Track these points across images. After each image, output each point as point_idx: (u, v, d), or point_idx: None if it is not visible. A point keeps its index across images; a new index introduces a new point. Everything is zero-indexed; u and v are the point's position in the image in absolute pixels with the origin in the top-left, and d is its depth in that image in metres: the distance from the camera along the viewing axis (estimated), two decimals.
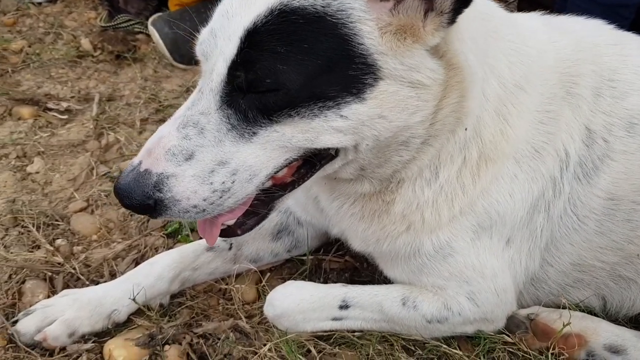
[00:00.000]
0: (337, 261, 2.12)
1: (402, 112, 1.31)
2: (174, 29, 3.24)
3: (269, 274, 2.07)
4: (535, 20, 1.79)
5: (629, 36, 1.83)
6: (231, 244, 1.99)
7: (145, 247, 2.16)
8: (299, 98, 1.24)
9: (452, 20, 1.28)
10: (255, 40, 1.23)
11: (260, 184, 1.35)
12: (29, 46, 3.50)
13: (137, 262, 2.06)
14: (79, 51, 3.46)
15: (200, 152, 1.28)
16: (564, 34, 1.72)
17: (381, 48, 1.25)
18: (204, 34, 1.34)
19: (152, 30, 3.31)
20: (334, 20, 1.23)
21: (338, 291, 1.70)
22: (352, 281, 2.06)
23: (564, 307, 1.73)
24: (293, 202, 2.00)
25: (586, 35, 1.75)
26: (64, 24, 3.77)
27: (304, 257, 2.07)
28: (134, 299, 1.80)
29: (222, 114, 1.29)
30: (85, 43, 3.49)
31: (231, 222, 1.43)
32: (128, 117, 2.90)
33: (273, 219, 2.06)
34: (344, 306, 1.69)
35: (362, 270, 2.09)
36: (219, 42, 1.29)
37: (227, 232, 1.46)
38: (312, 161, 1.41)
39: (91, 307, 1.80)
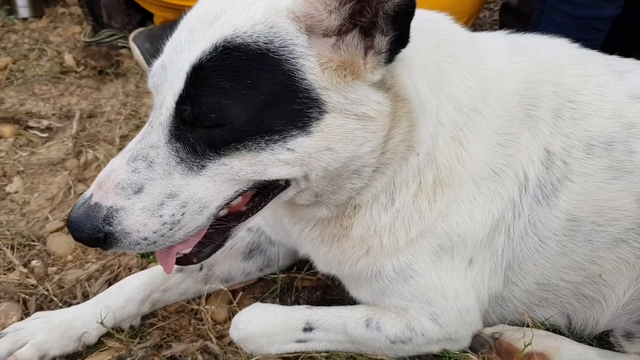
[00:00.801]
0: (310, 279, 2.13)
1: (350, 144, 1.33)
2: (155, 45, 3.25)
3: (241, 293, 2.08)
4: (499, 40, 1.80)
5: (592, 55, 1.84)
6: (202, 265, 2.00)
7: (119, 268, 2.18)
8: (245, 132, 1.26)
9: (390, 59, 1.30)
10: (201, 76, 1.25)
11: (211, 216, 1.36)
12: (14, 63, 3.53)
13: (110, 283, 2.08)
14: (63, 67, 3.49)
15: (150, 185, 1.30)
16: (526, 55, 1.73)
17: (323, 83, 1.27)
18: (155, 67, 1.36)
19: (132, 46, 3.33)
20: (276, 56, 1.25)
21: (302, 314, 1.71)
22: (323, 299, 2.08)
23: (528, 326, 1.74)
24: (263, 222, 2.02)
25: (549, 55, 1.76)
26: (49, 39, 3.80)
27: (277, 276, 2.09)
28: (101, 323, 1.81)
29: (171, 148, 1.30)
30: (69, 59, 3.52)
31: (187, 250, 1.45)
32: (108, 133, 2.92)
33: (245, 239, 2.08)
34: (308, 328, 1.70)
35: (333, 288, 2.10)
36: (168, 76, 1.31)
37: (183, 261, 1.48)
38: (265, 190, 1.42)
39: (62, 329, 1.82)
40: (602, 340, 1.82)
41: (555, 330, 1.80)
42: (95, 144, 2.84)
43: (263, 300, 2.03)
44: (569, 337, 1.78)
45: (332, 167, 1.36)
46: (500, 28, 3.45)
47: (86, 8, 3.78)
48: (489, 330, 1.78)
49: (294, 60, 1.25)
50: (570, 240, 1.64)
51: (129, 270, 2.17)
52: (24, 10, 4.04)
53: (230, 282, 2.06)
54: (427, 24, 1.58)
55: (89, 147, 2.81)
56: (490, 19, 3.99)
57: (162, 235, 1.33)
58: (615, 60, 1.84)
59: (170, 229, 1.33)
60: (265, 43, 1.25)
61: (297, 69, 1.26)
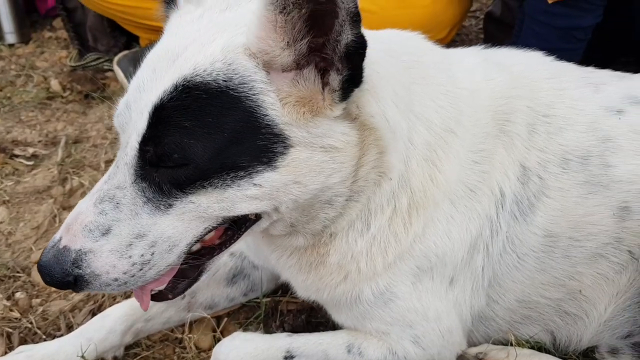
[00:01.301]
0: (294, 302, 2.11)
1: (318, 176, 1.32)
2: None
3: (225, 319, 2.06)
4: (472, 57, 1.78)
5: (567, 68, 1.82)
6: (185, 293, 1.98)
7: (103, 297, 2.16)
8: (209, 170, 1.25)
9: (344, 97, 1.28)
10: (163, 116, 1.24)
11: (182, 253, 1.35)
12: (0, 90, 3.54)
13: (94, 313, 2.07)
14: (49, 92, 3.50)
15: (117, 227, 1.29)
16: (500, 71, 1.72)
17: (285, 118, 1.26)
18: (121, 106, 1.35)
19: (116, 70, 3.34)
20: (236, 93, 1.24)
21: (282, 342, 1.69)
22: (308, 322, 2.06)
23: (512, 345, 1.72)
24: (245, 247, 2.01)
25: (523, 70, 1.75)
26: (35, 64, 3.81)
27: (260, 301, 2.07)
28: (82, 356, 1.80)
29: (137, 188, 1.29)
30: (55, 84, 3.53)
31: (161, 287, 1.44)
32: (94, 159, 2.92)
33: (227, 264, 2.07)
34: (289, 357, 1.68)
35: (318, 310, 2.08)
36: (132, 115, 1.30)
37: (159, 297, 1.47)
38: (237, 224, 1.41)
39: None
40: (588, 357, 1.79)
41: (540, 347, 1.78)
42: (81, 170, 2.84)
43: (248, 326, 2.02)
44: (554, 354, 1.76)
45: (302, 199, 1.35)
46: (485, 37, 3.48)
47: (72, 32, 3.78)
48: (473, 351, 1.76)
49: (254, 96, 1.24)
50: (548, 257, 1.62)
51: (114, 300, 2.15)
52: (10, 36, 4.06)
53: (214, 309, 2.05)
54: (398, 46, 1.58)
55: (74, 174, 2.80)
56: (477, 27, 3.98)
57: (133, 276, 1.32)
58: (591, 73, 1.82)
59: (141, 269, 1.32)
60: (224, 80, 1.24)
61: (258, 105, 1.25)
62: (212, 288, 2.03)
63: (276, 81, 1.26)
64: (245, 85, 1.24)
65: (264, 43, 1.23)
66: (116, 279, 1.31)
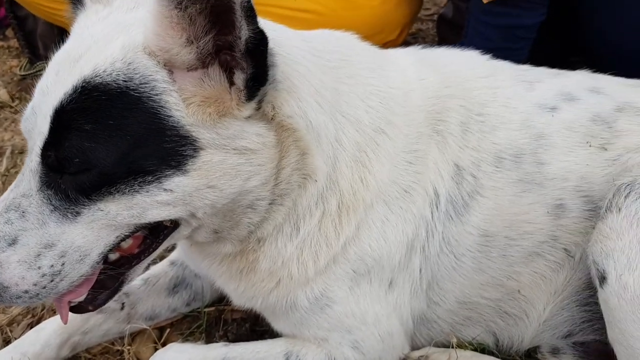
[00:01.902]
0: (239, 310, 2.06)
1: (234, 179, 1.28)
2: None
3: (168, 329, 2.00)
4: (408, 57, 1.77)
5: (502, 66, 1.81)
6: (123, 303, 1.93)
7: (42, 311, 2.09)
8: (115, 175, 1.20)
9: (250, 96, 1.25)
10: (63, 119, 1.20)
11: (95, 263, 1.30)
12: None
13: (32, 327, 1.98)
14: None
15: (24, 237, 1.24)
16: (435, 70, 1.71)
17: (190, 119, 1.22)
18: (27, 111, 1.31)
19: None
20: (137, 94, 1.19)
21: (218, 352, 1.64)
22: (253, 331, 2.02)
23: (454, 347, 1.70)
24: (185, 256, 1.95)
25: (457, 69, 1.73)
26: None
27: (202, 311, 2.02)
28: None
29: (43, 195, 1.25)
30: (3, 94, 3.45)
31: (80, 298, 1.38)
32: None
33: (168, 273, 2.01)
34: None
35: (263, 319, 2.03)
36: (38, 120, 1.25)
37: (78, 309, 1.42)
38: (154, 232, 1.36)
39: None
40: (531, 357, 1.78)
41: (483, 349, 1.76)
42: None
43: (190, 336, 1.97)
44: (497, 355, 1.74)
45: (219, 204, 1.31)
46: (439, 40, 3.48)
47: (22, 40, 3.69)
48: (415, 354, 1.73)
49: (156, 96, 1.20)
50: (485, 256, 1.60)
51: (53, 312, 2.08)
52: None
53: (155, 320, 1.99)
54: (325, 46, 1.55)
55: None
56: (433, 30, 3.98)
57: (44, 287, 1.27)
58: (526, 71, 1.82)
59: (52, 280, 1.27)
60: (124, 81, 1.20)
61: (161, 106, 1.20)
62: (153, 298, 1.98)
63: (180, 80, 1.22)
64: (147, 85, 1.20)
65: (162, 40, 1.19)
66: (27, 291, 1.26)
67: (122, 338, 1.96)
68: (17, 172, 2.81)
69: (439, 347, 1.76)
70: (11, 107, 3.37)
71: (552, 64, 1.91)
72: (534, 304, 1.66)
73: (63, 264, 1.26)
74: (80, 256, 1.27)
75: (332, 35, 1.67)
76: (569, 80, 1.76)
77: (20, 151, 2.98)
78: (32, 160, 1.25)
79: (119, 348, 1.95)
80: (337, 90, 1.49)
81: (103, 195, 1.22)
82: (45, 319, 2.04)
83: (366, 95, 1.54)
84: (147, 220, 1.27)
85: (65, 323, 1.43)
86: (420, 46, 1.89)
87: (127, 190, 1.21)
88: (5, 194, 1.29)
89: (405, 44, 3.28)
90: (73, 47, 1.29)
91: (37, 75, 3.47)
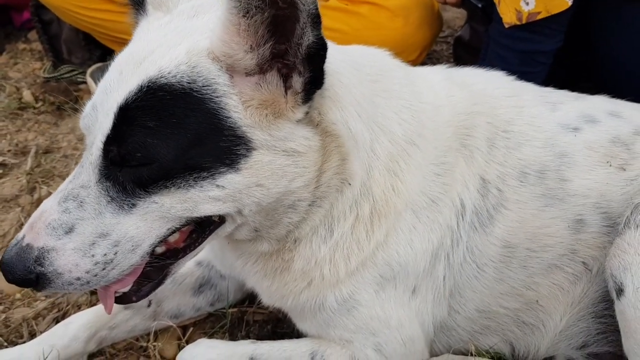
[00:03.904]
0: (261, 313, 2.13)
1: (281, 180, 1.35)
2: None
3: (191, 328, 2.06)
4: (436, 74, 1.85)
5: (526, 87, 1.90)
6: (150, 301, 1.99)
7: (67, 305, 2.15)
8: (173, 170, 1.27)
9: (307, 99, 1.33)
10: (127, 116, 1.27)
11: (145, 254, 1.37)
12: None
13: (57, 321, 2.04)
14: (21, 103, 3.47)
15: (81, 225, 1.30)
16: (462, 88, 1.79)
17: (247, 121, 1.30)
18: (87, 108, 1.38)
19: (90, 82, 3.34)
20: (199, 95, 1.27)
21: (246, 349, 1.70)
22: (274, 332, 2.07)
23: (472, 354, 1.76)
24: (212, 256, 2.02)
25: (483, 88, 1.82)
26: (8, 75, 3.79)
27: (226, 311, 2.08)
28: None
29: (101, 187, 1.31)
30: (27, 95, 3.51)
31: (126, 289, 1.44)
32: (64, 169, 2.91)
33: (194, 273, 2.07)
34: None
35: (285, 321, 2.09)
36: (99, 116, 1.32)
37: (123, 299, 1.47)
38: (201, 226, 1.43)
39: None
40: None
41: (499, 357, 1.82)
42: (50, 180, 2.82)
43: (213, 335, 2.02)
44: None
45: (264, 203, 1.38)
46: (455, 62, 3.58)
47: (46, 44, 3.77)
48: None
49: (217, 99, 1.28)
50: (506, 267, 1.68)
51: (78, 308, 2.14)
52: None
53: (180, 318, 2.05)
54: (363, 60, 1.64)
55: (43, 183, 2.79)
56: (447, 52, 4.08)
57: (95, 275, 1.33)
58: (548, 92, 1.90)
59: (103, 269, 1.33)
60: (188, 83, 1.27)
61: (221, 108, 1.28)
62: (179, 297, 2.04)
63: (239, 84, 1.30)
64: (209, 88, 1.28)
65: (228, 46, 1.27)
66: (79, 278, 1.32)
67: (146, 335, 2.02)
68: (41, 171, 2.88)
69: (456, 354, 1.82)
70: (35, 108, 3.44)
71: (562, 89, 1.99)
72: (552, 314, 1.73)
73: (116, 253, 1.32)
74: (132, 246, 1.33)
75: (368, 50, 1.75)
76: (589, 104, 1.85)
77: (44, 151, 3.05)
78: (92, 154, 1.31)
79: (143, 344, 2.01)
80: (373, 102, 1.57)
81: (159, 189, 1.29)
82: (70, 313, 2.10)
83: (399, 108, 1.63)
84: (198, 215, 1.34)
85: (109, 313, 1.48)
86: (446, 65, 1.98)
87: (182, 184, 1.28)
88: (63, 185, 1.36)
89: (422, 64, 3.38)
90: (137, 50, 1.37)
91: (61, 78, 3.57)
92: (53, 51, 3.75)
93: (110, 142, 1.28)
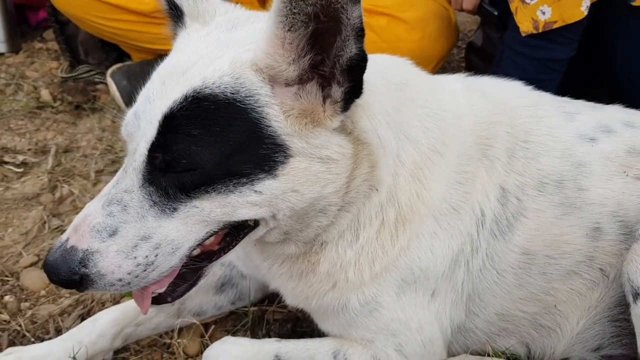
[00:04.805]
0: (281, 312, 2.18)
1: (315, 185, 1.41)
2: (132, 82, 3.32)
3: (213, 326, 2.12)
4: (457, 83, 1.90)
5: (544, 97, 1.95)
6: None
7: (92, 302, 2.20)
8: (214, 176, 1.33)
9: (345, 108, 1.39)
10: (172, 124, 1.33)
11: (184, 256, 1.42)
12: None
13: (83, 318, 2.10)
14: (39, 102, 3.53)
15: (124, 228, 1.36)
16: (483, 97, 1.84)
17: (287, 130, 1.35)
18: (129, 116, 1.43)
19: (109, 82, 3.40)
20: (242, 105, 1.33)
21: (271, 347, 1.76)
22: (294, 331, 2.13)
23: (489, 355, 1.81)
24: (235, 257, 2.07)
25: (503, 97, 1.86)
26: (26, 74, 3.84)
27: (248, 309, 2.14)
28: (74, 358, 1.84)
29: (144, 192, 1.37)
30: (45, 94, 3.56)
31: (161, 290, 1.50)
32: (84, 168, 2.97)
33: (217, 273, 2.13)
34: None
35: (304, 320, 2.15)
36: (141, 124, 1.38)
37: (159, 300, 1.53)
38: (236, 230, 1.49)
39: None
40: None
41: (515, 359, 1.88)
42: (71, 178, 2.88)
43: (234, 333, 2.08)
44: None
45: (298, 207, 1.43)
46: (467, 66, 3.63)
47: (63, 44, 3.83)
48: None
49: (259, 108, 1.34)
50: (525, 273, 1.73)
51: (102, 305, 2.20)
52: (1, 46, 4.08)
53: (202, 316, 2.10)
54: (388, 69, 1.69)
55: (64, 182, 2.84)
56: (458, 56, 4.14)
57: (137, 277, 1.38)
58: (566, 102, 1.96)
59: (144, 270, 1.38)
60: (232, 93, 1.33)
61: (263, 117, 1.34)
62: (201, 296, 2.09)
63: (280, 94, 1.36)
64: (252, 98, 1.33)
65: (272, 59, 1.32)
66: (120, 279, 1.37)
67: (170, 332, 2.08)
68: (62, 170, 2.94)
69: (473, 355, 1.88)
70: (53, 107, 3.49)
71: (575, 96, 2.05)
72: (569, 318, 1.78)
73: (157, 255, 1.37)
74: (172, 249, 1.38)
75: (394, 59, 1.80)
76: (605, 114, 1.90)
77: (64, 150, 3.10)
78: (136, 160, 1.37)
79: (167, 341, 2.06)
80: (399, 110, 1.62)
81: (201, 194, 1.34)
82: (95, 310, 2.16)
83: (423, 117, 1.68)
84: (236, 219, 1.40)
85: (145, 313, 1.54)
86: (465, 74, 2.03)
87: (222, 190, 1.34)
88: (106, 189, 1.41)
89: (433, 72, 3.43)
90: (179, 61, 1.42)
91: (79, 78, 3.62)
92: (70, 51, 3.81)
93: (155, 148, 1.33)
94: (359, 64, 1.31)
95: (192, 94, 1.33)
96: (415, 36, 3.04)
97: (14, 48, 4.14)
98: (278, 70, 1.33)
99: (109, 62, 3.75)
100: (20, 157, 3.00)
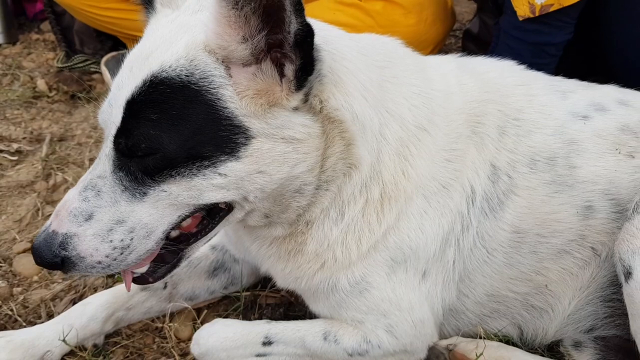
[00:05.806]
0: (273, 296, 2.17)
1: (282, 166, 1.40)
2: None
3: (205, 310, 2.11)
4: (448, 63, 1.88)
5: (536, 76, 1.93)
6: (166, 283, 2.03)
7: (84, 288, 2.20)
8: (176, 159, 1.34)
9: (299, 86, 1.37)
10: (133, 110, 1.34)
11: (159, 240, 1.44)
12: None
13: (74, 302, 2.09)
14: (35, 92, 3.53)
15: (99, 213, 1.39)
16: (474, 76, 1.82)
17: (243, 111, 1.35)
18: (105, 103, 1.45)
19: (103, 70, 3.39)
20: (197, 87, 1.33)
21: (261, 328, 1.75)
22: (286, 316, 2.12)
23: (481, 337, 1.80)
24: (227, 241, 2.07)
25: (495, 76, 1.84)
26: (22, 65, 3.85)
27: (240, 294, 2.13)
28: (64, 340, 1.83)
29: (115, 177, 1.39)
30: (41, 84, 3.57)
31: (143, 269, 1.51)
32: (78, 156, 2.96)
33: (209, 257, 2.12)
34: (267, 342, 1.74)
35: (296, 304, 2.14)
36: (113, 111, 1.39)
37: (140, 280, 1.55)
38: (211, 213, 1.49)
39: (24, 348, 1.84)
40: (553, 351, 1.88)
41: (508, 341, 1.86)
42: (65, 166, 2.88)
43: (227, 317, 2.07)
44: (521, 347, 1.84)
45: (268, 189, 1.43)
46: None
47: (59, 35, 3.83)
48: (443, 342, 1.83)
49: (214, 90, 1.33)
50: (516, 252, 1.71)
51: (94, 290, 2.19)
52: None
53: (195, 300, 2.09)
54: (372, 47, 1.67)
55: (59, 170, 2.84)
56: (456, 45, 4.11)
57: (115, 259, 1.41)
58: (559, 81, 1.93)
59: (121, 253, 1.41)
60: (186, 76, 1.33)
61: (218, 99, 1.33)
62: (193, 280, 2.09)
63: (235, 75, 1.35)
64: (206, 80, 1.33)
65: (221, 39, 1.32)
66: (100, 262, 1.40)
67: (162, 316, 2.07)
68: (56, 158, 2.93)
69: (465, 337, 1.86)
70: (48, 97, 3.49)
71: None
72: (560, 298, 1.76)
73: (132, 238, 1.40)
74: (146, 232, 1.41)
75: (380, 38, 1.79)
76: (599, 92, 1.88)
77: (59, 139, 3.10)
78: (107, 147, 1.40)
79: (159, 325, 2.06)
80: (382, 87, 1.60)
81: (165, 178, 1.36)
82: (87, 295, 2.15)
83: (410, 94, 1.66)
84: (204, 202, 1.40)
85: (129, 291, 1.54)
86: (457, 54, 2.01)
87: (186, 173, 1.35)
88: (84, 175, 1.45)
89: None
90: (145, 46, 1.43)
91: (74, 68, 3.62)
92: (66, 42, 3.81)
93: (120, 134, 1.36)
94: (306, 39, 1.30)
95: (150, 79, 1.34)
96: (411, 20, 3.02)
97: (12, 39, 4.15)
98: (229, 50, 1.32)
99: (104, 51, 3.75)
100: (15, 146, 3.00)
